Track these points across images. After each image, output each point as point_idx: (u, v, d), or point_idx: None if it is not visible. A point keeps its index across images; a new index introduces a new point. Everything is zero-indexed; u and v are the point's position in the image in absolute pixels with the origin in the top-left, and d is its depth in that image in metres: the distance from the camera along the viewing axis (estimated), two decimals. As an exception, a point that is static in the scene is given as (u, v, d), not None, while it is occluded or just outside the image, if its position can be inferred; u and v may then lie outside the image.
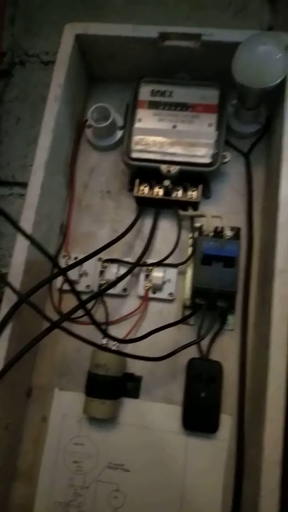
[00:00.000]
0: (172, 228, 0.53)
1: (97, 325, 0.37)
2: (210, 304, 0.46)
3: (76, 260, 0.43)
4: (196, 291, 0.45)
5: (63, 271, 0.33)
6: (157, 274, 0.50)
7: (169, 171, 0.49)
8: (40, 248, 0.31)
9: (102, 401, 0.45)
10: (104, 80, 0.59)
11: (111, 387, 0.45)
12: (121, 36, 0.50)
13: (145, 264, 0.51)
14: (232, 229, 0.51)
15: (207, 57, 0.50)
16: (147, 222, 0.53)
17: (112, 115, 0.53)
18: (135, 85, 0.52)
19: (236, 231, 0.50)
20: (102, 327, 0.49)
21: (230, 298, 0.46)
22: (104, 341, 0.47)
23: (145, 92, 0.51)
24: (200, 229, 0.50)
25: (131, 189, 0.53)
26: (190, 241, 0.52)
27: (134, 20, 0.62)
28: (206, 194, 0.53)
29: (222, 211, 0.53)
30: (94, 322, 0.36)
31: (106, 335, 0.41)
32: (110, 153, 0.57)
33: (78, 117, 0.57)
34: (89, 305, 0.49)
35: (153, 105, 0.51)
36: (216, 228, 0.48)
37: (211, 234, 0.47)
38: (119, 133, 0.56)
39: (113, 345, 0.47)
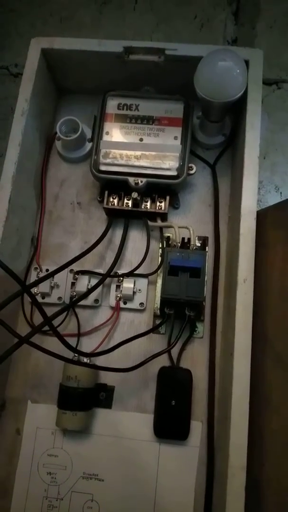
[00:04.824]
0: (142, 238, 0.54)
1: (64, 341, 0.37)
2: (178, 313, 0.47)
3: (42, 276, 0.43)
4: (164, 301, 0.46)
5: (26, 289, 0.34)
6: (128, 284, 0.51)
7: (137, 183, 0.49)
8: (2, 267, 0.31)
9: (74, 413, 0.45)
10: (73, 92, 0.60)
11: (82, 399, 0.46)
12: (87, 51, 0.51)
13: (115, 275, 0.51)
14: (199, 238, 0.53)
15: (171, 70, 0.51)
16: (118, 233, 0.54)
17: (80, 127, 0.54)
18: (102, 98, 0.52)
19: (204, 240, 0.52)
20: (75, 338, 0.50)
21: (198, 306, 0.47)
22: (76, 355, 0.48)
23: (112, 105, 0.52)
24: (168, 240, 0.51)
25: (101, 200, 0.53)
26: (160, 251, 0.53)
27: (101, 32, 0.63)
28: (174, 204, 0.54)
29: (190, 221, 0.54)
30: (61, 338, 0.37)
31: (74, 350, 0.41)
32: (80, 164, 0.58)
33: (47, 129, 0.57)
34: (61, 317, 0.50)
35: (120, 118, 0.52)
36: (183, 239, 0.49)
37: (179, 244, 0.48)
38: (88, 145, 0.56)
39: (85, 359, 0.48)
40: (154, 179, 0.50)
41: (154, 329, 0.48)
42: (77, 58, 0.52)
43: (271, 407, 0.39)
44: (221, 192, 0.55)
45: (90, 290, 0.49)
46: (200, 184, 0.56)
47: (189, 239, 0.48)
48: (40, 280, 0.43)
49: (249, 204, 0.44)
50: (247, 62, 0.48)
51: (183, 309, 0.47)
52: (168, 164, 0.50)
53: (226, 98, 0.45)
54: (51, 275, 0.45)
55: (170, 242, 0.50)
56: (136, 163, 0.50)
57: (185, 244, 0.48)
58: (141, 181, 0.50)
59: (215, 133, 0.55)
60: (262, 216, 0.44)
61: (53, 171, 0.57)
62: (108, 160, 0.50)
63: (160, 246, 0.53)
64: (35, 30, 0.65)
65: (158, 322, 0.50)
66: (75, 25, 0.65)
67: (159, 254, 0.53)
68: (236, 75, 0.45)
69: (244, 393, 0.39)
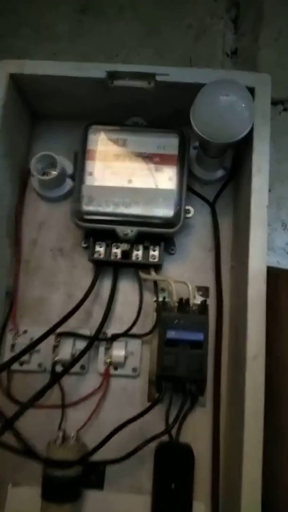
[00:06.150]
0: (133, 289, 0.48)
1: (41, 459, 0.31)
2: (177, 387, 0.41)
3: (6, 361, 0.37)
4: (161, 377, 0.40)
5: None
6: (118, 350, 0.44)
7: (126, 234, 0.43)
8: None
9: (60, 505, 0.40)
10: (49, 117, 0.52)
11: (70, 489, 0.40)
12: (63, 76, 0.43)
13: (104, 338, 0.45)
14: (199, 289, 0.46)
15: (163, 97, 0.44)
16: (106, 283, 0.48)
17: (59, 164, 0.46)
18: (83, 132, 0.45)
19: (205, 301, 0.45)
20: (59, 410, 0.44)
21: (199, 383, 0.41)
22: (60, 433, 0.42)
23: (94, 140, 0.45)
24: (164, 303, 0.43)
25: (86, 247, 0.47)
26: (155, 304, 0.46)
27: (81, 45, 0.55)
28: (169, 250, 0.48)
29: (188, 268, 0.48)
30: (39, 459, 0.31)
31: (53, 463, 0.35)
32: (60, 204, 0.50)
33: (21, 162, 0.50)
34: (41, 384, 0.43)
35: (104, 156, 0.44)
36: (181, 300, 0.42)
37: (176, 304, 0.42)
38: (69, 181, 0.49)
39: (71, 438, 0.42)
40: (146, 228, 0.43)
41: (148, 410, 0.41)
42: (52, 83, 0.44)
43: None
44: (222, 233, 0.48)
45: (75, 359, 0.42)
46: (198, 225, 0.49)
47: (187, 300, 0.42)
48: (10, 363, 0.36)
49: (258, 265, 0.38)
50: (252, 90, 0.41)
51: (182, 384, 0.40)
52: (162, 211, 0.43)
53: (229, 138, 0.38)
54: (27, 350, 0.39)
55: (166, 301, 0.44)
56: (125, 210, 0.43)
57: (183, 306, 0.42)
58: (131, 231, 0.43)
59: (214, 167, 0.48)
60: (274, 277, 0.38)
61: (29, 212, 0.50)
62: (91, 208, 0.43)
63: (155, 299, 0.46)
64: (4, 43, 0.56)
65: (153, 389, 0.44)
66: (51, 37, 0.56)
67: (154, 309, 0.46)
68: (241, 111, 0.38)
69: (256, 486, 0.34)
